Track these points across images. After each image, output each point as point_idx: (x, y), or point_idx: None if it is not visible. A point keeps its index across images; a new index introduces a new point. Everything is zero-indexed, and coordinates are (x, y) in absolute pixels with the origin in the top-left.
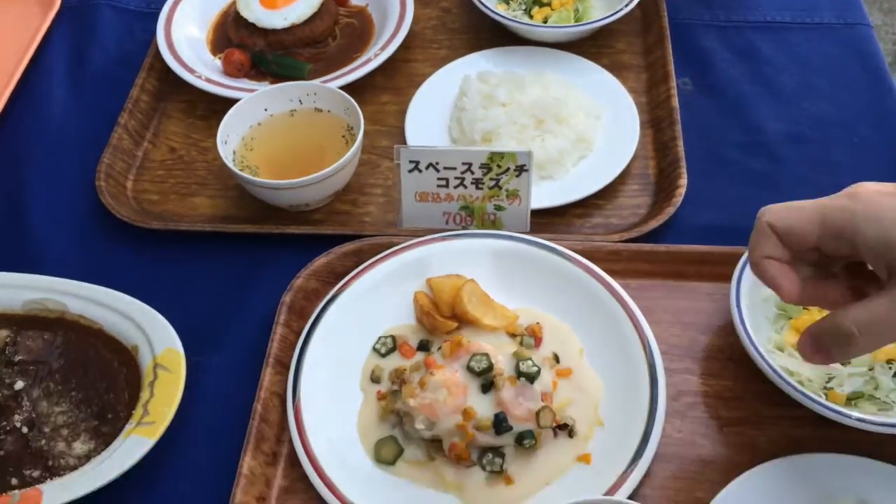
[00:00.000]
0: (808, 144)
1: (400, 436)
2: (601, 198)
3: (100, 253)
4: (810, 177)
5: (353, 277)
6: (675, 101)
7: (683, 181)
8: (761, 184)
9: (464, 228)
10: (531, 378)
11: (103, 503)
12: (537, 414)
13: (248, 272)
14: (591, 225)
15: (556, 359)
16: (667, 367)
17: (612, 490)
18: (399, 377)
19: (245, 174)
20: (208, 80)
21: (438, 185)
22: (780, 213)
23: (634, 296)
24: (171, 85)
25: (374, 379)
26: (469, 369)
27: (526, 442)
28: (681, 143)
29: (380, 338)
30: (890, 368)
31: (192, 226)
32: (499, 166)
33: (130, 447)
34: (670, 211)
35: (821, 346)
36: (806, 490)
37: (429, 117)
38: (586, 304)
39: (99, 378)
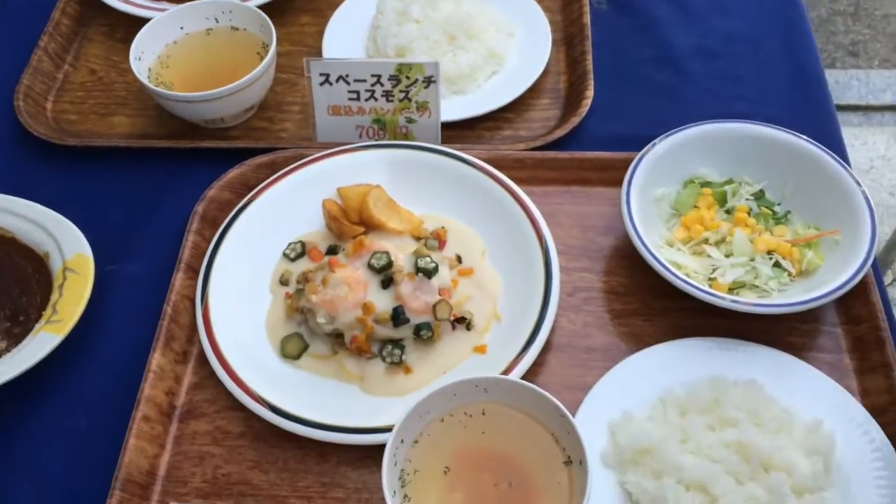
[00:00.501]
0: (715, 59)
1: (305, 333)
2: (511, 111)
3: (19, 170)
4: (714, 88)
5: (264, 187)
6: (587, 19)
7: (590, 93)
8: (667, 96)
9: (377, 142)
10: (429, 273)
11: (19, 399)
12: (434, 307)
13: (164, 187)
14: (500, 137)
15: (459, 259)
16: (565, 267)
17: (503, 374)
18: (305, 278)
19: (154, 86)
20: (127, 2)
21: (350, 99)
22: None
23: (538, 201)
24: (92, 9)
25: (283, 282)
26: (370, 267)
27: (423, 333)
28: (590, 57)
29: (290, 244)
30: (770, 259)
31: (108, 142)
32: (407, 77)
33: (39, 343)
34: (575, 121)
35: None
36: (686, 369)
37: (347, 37)
38: (490, 209)
39: (12, 284)
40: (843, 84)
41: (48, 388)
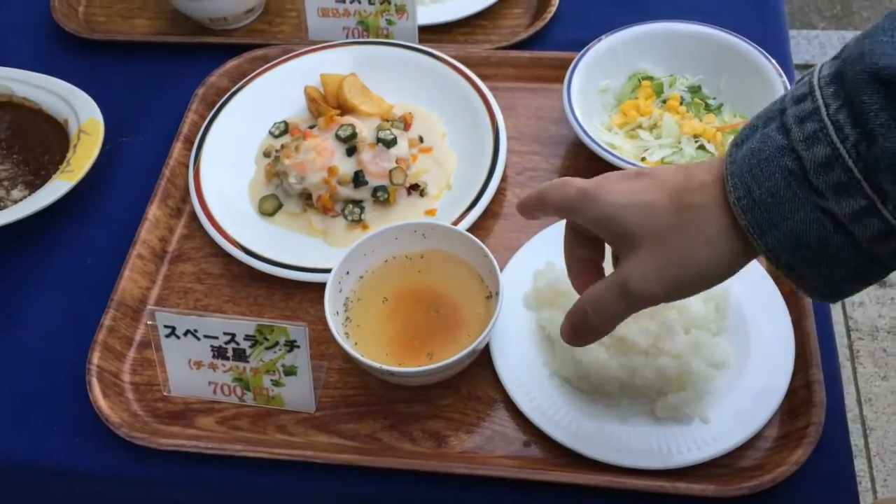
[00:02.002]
0: None
1: (280, 194)
2: (485, 19)
3: (52, 59)
4: (672, 1)
5: (256, 75)
6: None
7: (556, 1)
8: (630, 7)
9: (357, 39)
10: (388, 144)
11: (38, 236)
12: (391, 172)
13: (172, 75)
14: (473, 41)
15: (421, 139)
16: (518, 150)
17: None
18: (283, 146)
19: None
20: None
21: (337, 1)
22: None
23: (500, 96)
24: None
25: (267, 154)
26: (337, 137)
27: (380, 195)
28: None
29: (275, 123)
30: (696, 142)
31: (128, 37)
32: None
33: (54, 188)
34: (539, 25)
35: (573, 328)
36: None
37: None
38: (455, 99)
39: (37, 145)
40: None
41: (61, 230)
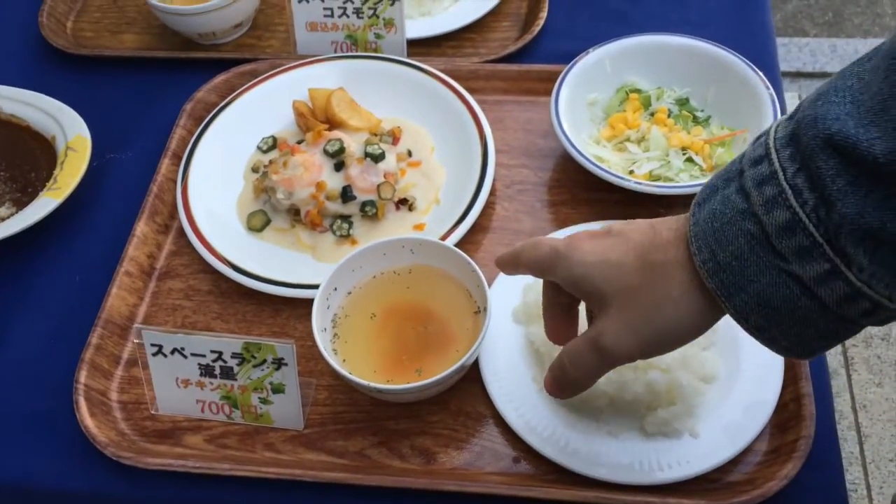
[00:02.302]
0: None
1: (269, 209)
2: (474, 32)
3: (37, 74)
4: (662, 13)
5: (244, 90)
6: None
7: (544, 14)
8: (618, 20)
9: (346, 53)
10: (375, 158)
11: (25, 254)
12: (379, 187)
13: (160, 91)
14: (462, 55)
15: (410, 153)
16: (506, 163)
17: None
18: (271, 162)
19: (155, 2)
20: None
21: (325, 15)
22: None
23: (489, 109)
24: None
25: (255, 170)
26: (325, 152)
27: (368, 209)
28: None
29: (263, 138)
30: (684, 154)
31: (115, 52)
32: None
33: (40, 206)
34: (527, 38)
35: (554, 380)
36: None
37: None
38: (443, 113)
39: (24, 162)
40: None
41: (48, 247)
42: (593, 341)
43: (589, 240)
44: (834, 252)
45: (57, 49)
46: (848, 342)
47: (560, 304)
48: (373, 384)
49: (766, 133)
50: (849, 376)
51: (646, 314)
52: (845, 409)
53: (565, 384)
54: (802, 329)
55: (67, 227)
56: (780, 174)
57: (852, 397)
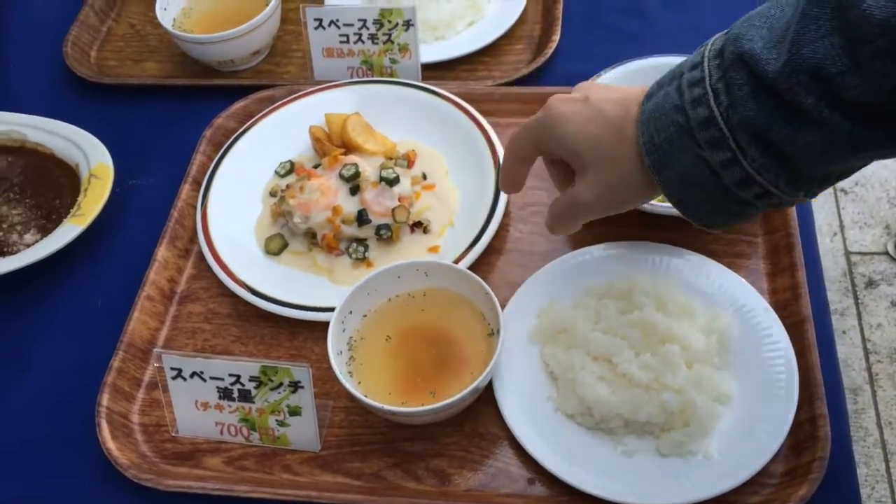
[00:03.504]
0: (682, 11)
1: (286, 233)
2: (488, 56)
3: (63, 104)
4: (676, 37)
5: (262, 116)
6: None
7: (556, 37)
8: (631, 43)
9: (360, 79)
10: (390, 182)
11: (49, 280)
12: (394, 211)
13: (180, 118)
14: (476, 78)
15: (424, 177)
16: None
17: None
18: (287, 187)
19: (175, 31)
20: None
21: (341, 42)
22: (511, 146)
23: (502, 131)
24: None
25: (273, 194)
26: (341, 176)
27: (383, 233)
28: (561, 6)
29: (280, 163)
30: None
31: (138, 80)
32: (389, 21)
33: (64, 232)
34: (540, 61)
35: (551, 220)
36: (613, 265)
37: None
38: (457, 136)
39: (49, 190)
40: None
41: (73, 273)
42: (571, 194)
43: (566, 104)
44: (735, 144)
45: (81, 78)
46: (872, 358)
47: (525, 158)
48: (387, 407)
49: (707, 43)
50: (874, 392)
51: (609, 179)
52: (870, 426)
53: (558, 225)
54: (710, 204)
55: (90, 253)
56: (707, 79)
57: (877, 414)
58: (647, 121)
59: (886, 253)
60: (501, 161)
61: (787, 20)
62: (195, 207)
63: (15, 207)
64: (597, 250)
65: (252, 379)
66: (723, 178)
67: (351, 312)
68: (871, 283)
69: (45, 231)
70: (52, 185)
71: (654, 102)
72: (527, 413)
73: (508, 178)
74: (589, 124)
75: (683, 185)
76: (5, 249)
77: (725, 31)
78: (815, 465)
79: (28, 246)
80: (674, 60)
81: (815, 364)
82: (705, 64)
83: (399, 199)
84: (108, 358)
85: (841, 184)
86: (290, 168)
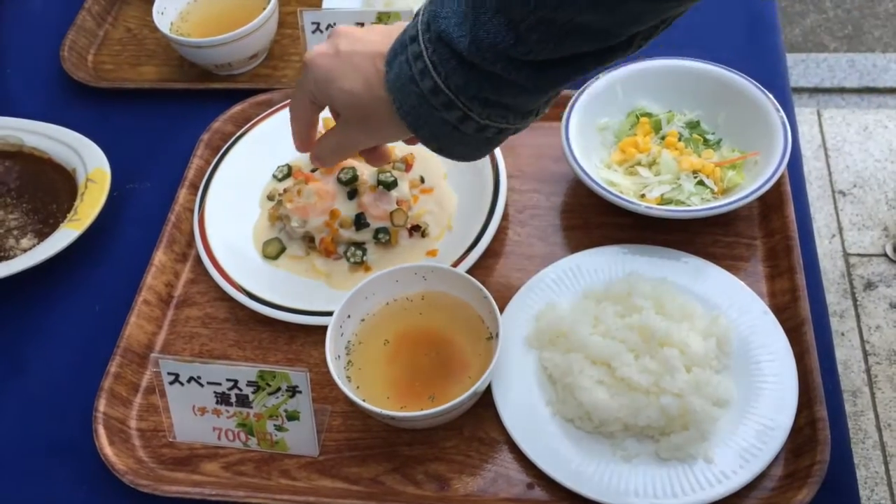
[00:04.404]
0: None
1: (284, 237)
2: None
3: (61, 107)
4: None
5: (260, 119)
6: None
7: None
8: None
9: None
10: (388, 186)
11: (46, 284)
12: (391, 214)
13: (178, 121)
14: None
15: (422, 180)
16: (518, 188)
17: None
18: (285, 191)
19: (173, 34)
20: None
21: None
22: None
23: None
24: None
25: (270, 198)
26: (339, 180)
27: (381, 237)
28: None
29: (278, 166)
30: (695, 178)
31: (135, 84)
32: (388, 23)
33: (61, 237)
34: None
35: (316, 156)
36: (611, 268)
37: None
38: None
39: (46, 194)
40: (882, 67)
41: (69, 277)
42: (339, 135)
43: (322, 59)
44: (462, 104)
45: (78, 82)
46: (871, 360)
47: (308, 117)
48: (386, 411)
49: (419, 13)
50: (872, 395)
51: (370, 124)
52: (869, 429)
53: (321, 158)
54: (464, 147)
55: (87, 258)
56: (424, 53)
57: (876, 416)
58: (394, 88)
59: (885, 255)
60: (291, 124)
61: None
62: (192, 211)
63: (12, 212)
64: (594, 253)
65: (250, 383)
66: (463, 129)
67: (349, 316)
68: (869, 285)
69: (41, 236)
70: (48, 189)
71: (395, 72)
72: (526, 417)
73: (301, 139)
74: (344, 80)
75: (437, 138)
76: (1, 254)
77: (428, 2)
78: (815, 468)
79: (24, 251)
80: (674, 63)
81: (814, 367)
82: (420, 38)
83: (397, 203)
84: (103, 362)
85: (839, 186)
86: (288, 172)
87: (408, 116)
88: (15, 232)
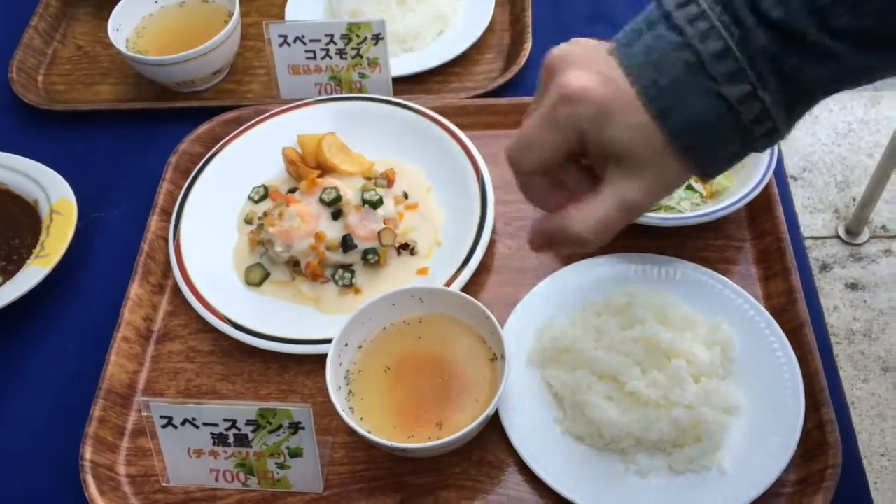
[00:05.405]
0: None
1: (266, 262)
2: (459, 66)
3: (12, 134)
4: None
5: (230, 139)
6: None
7: (528, 45)
8: None
9: (331, 95)
10: (374, 205)
11: (14, 326)
12: (379, 234)
13: (141, 144)
14: (448, 90)
15: (406, 196)
16: (503, 199)
17: None
18: (265, 214)
19: (130, 52)
20: None
21: (307, 58)
22: (525, 158)
23: (480, 144)
24: None
25: (248, 221)
26: (321, 201)
27: (370, 258)
28: (530, 13)
29: (254, 188)
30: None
31: (91, 105)
32: (357, 36)
33: (29, 275)
34: (514, 70)
35: (553, 244)
36: (607, 280)
37: (307, 6)
38: (436, 151)
39: (6, 229)
40: None
41: (40, 317)
42: (615, 197)
43: (598, 87)
44: (755, 75)
45: (28, 105)
46: (832, 340)
47: (555, 172)
48: (396, 444)
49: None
50: None
51: (658, 177)
52: None
53: (574, 249)
54: (720, 147)
55: (57, 295)
56: (710, 13)
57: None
58: (643, 65)
59: (838, 236)
60: (519, 178)
61: None
62: (166, 240)
63: None
64: (588, 265)
65: (249, 423)
66: (742, 115)
67: (346, 344)
68: (825, 267)
69: (6, 273)
70: (9, 223)
71: (642, 47)
72: (535, 437)
73: (541, 198)
74: (626, 114)
75: (693, 130)
76: None
77: None
78: (829, 472)
79: None
80: None
81: (818, 369)
82: (698, 3)
83: (384, 222)
84: (85, 406)
85: (790, 171)
86: (265, 193)
87: (660, 98)
88: None
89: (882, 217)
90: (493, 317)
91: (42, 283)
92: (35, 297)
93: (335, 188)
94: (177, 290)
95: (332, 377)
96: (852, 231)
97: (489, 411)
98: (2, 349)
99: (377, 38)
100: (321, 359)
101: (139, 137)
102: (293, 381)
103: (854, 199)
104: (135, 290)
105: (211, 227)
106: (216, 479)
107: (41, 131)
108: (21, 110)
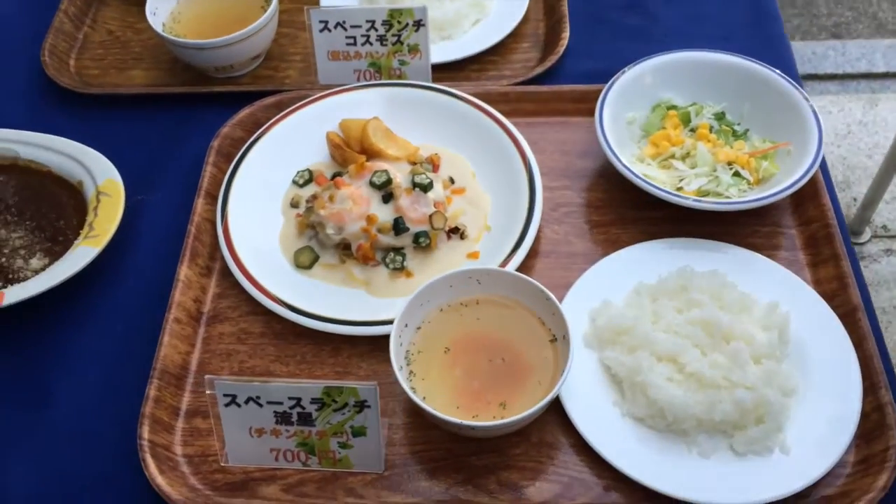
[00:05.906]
0: (682, 3)
1: (316, 245)
2: (496, 54)
3: (48, 117)
4: (680, 28)
5: (273, 123)
6: None
7: (566, 34)
8: (637, 37)
9: (374, 81)
10: (424, 188)
11: (66, 306)
12: (430, 217)
13: (180, 128)
14: (486, 77)
15: (452, 181)
16: (547, 186)
17: None
18: (314, 197)
19: (171, 36)
20: None
21: (347, 44)
22: None
23: (522, 131)
24: None
25: (294, 205)
26: (371, 184)
27: (422, 241)
28: (566, 4)
29: (298, 171)
30: (731, 169)
31: (129, 90)
32: (399, 22)
33: (79, 255)
34: (553, 59)
35: None
36: (657, 264)
37: None
38: (479, 137)
39: (50, 210)
40: (820, 55)
41: (90, 298)
42: None
43: None
44: None
45: (63, 88)
46: None
47: None
48: (466, 422)
49: None
50: None
51: None
52: None
53: None
54: None
55: (105, 276)
56: None
57: None
58: None
59: None
60: None
61: None
62: (212, 222)
63: (14, 230)
64: (638, 249)
65: (314, 401)
66: None
67: (406, 325)
68: None
69: (52, 254)
70: (53, 204)
71: None
72: (596, 419)
73: None
74: None
75: None
76: (11, 276)
77: None
78: (891, 453)
79: (35, 272)
80: (699, 55)
81: (873, 353)
82: None
83: (434, 205)
84: (136, 386)
85: None
86: (309, 177)
87: None
88: (22, 252)
89: (883, 217)
90: (553, 297)
91: (90, 264)
92: (81, 277)
93: (385, 171)
94: (224, 273)
95: (395, 357)
96: (854, 231)
97: (555, 391)
98: (49, 328)
99: (419, 24)
100: (374, 341)
101: (177, 122)
102: (348, 363)
103: (855, 200)
104: (184, 271)
105: (257, 210)
106: (276, 459)
107: (77, 114)
108: (54, 94)
